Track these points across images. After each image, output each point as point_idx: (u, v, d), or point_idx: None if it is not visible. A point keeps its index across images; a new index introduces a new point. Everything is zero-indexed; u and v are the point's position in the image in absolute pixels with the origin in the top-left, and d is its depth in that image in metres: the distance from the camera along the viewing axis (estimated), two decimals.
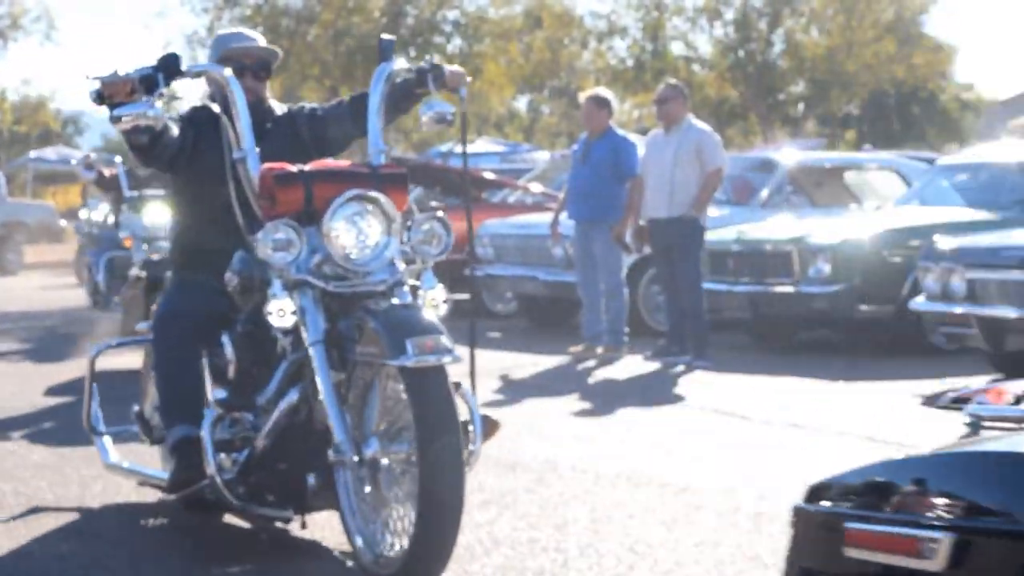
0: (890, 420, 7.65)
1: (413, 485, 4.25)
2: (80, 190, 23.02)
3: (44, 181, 39.17)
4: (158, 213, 12.72)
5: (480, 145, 25.56)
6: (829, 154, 20.10)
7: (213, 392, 4.90)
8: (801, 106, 39.45)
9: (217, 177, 4.86)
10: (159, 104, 4.62)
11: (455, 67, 5.00)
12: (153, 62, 4.67)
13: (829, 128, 41.63)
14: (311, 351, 4.44)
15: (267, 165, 4.61)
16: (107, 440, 5.83)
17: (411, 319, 4.31)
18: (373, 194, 4.50)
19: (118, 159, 13.99)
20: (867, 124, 41.49)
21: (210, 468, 4.65)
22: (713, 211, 11.46)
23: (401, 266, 4.56)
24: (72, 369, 10.79)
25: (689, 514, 5.41)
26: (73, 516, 5.61)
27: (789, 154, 15.35)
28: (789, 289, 11.01)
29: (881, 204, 13.17)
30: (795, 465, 6.36)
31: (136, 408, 5.64)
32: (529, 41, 35.46)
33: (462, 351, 4.43)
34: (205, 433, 4.69)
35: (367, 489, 4.46)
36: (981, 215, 10.97)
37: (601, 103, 10.98)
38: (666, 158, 10.51)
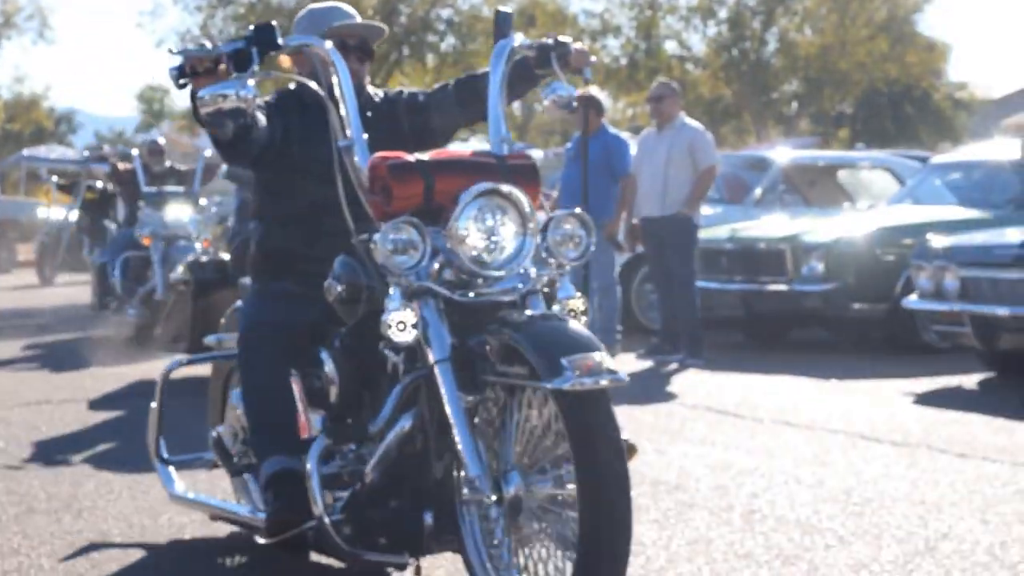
0: (883, 418, 7.66)
1: (560, 526, 3.68)
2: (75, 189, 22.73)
3: (37, 179, 39.11)
4: (180, 210, 12.33)
5: (474, 144, 25.60)
6: (822, 153, 20.11)
7: (312, 418, 4.35)
8: (794, 105, 39.50)
9: (308, 171, 4.39)
10: (252, 83, 3.90)
11: (580, 44, 4.32)
12: (247, 33, 4.01)
13: (822, 127, 41.67)
14: (436, 371, 3.75)
15: (379, 155, 3.94)
16: (171, 468, 5.20)
17: (564, 334, 3.63)
18: (507, 188, 3.85)
19: (135, 151, 13.43)
20: (860, 123, 41.52)
21: (318, 508, 4.03)
22: (706, 209, 11.47)
23: (533, 271, 3.90)
24: (72, 371, 10.78)
25: (682, 512, 5.41)
26: (66, 515, 5.59)
27: (782, 153, 15.36)
28: (782, 287, 11.02)
29: (874, 203, 13.18)
30: (788, 463, 6.37)
31: (214, 433, 4.96)
32: None
33: None
34: (312, 467, 4.07)
35: (499, 530, 3.82)
36: (974, 214, 10.99)
37: (589, 103, 10.98)
38: (659, 157, 10.51)
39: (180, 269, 9.82)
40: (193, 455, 5.29)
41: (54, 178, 23.90)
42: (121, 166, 13.60)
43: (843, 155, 18.17)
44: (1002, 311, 8.73)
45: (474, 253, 3.83)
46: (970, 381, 9.20)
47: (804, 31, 36.61)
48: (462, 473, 3.80)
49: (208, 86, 3.89)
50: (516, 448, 3.73)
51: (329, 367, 4.22)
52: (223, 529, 5.27)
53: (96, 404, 8.69)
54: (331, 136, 4.07)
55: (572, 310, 3.90)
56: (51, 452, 6.99)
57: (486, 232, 3.84)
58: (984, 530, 5.07)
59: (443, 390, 3.72)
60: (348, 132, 4.06)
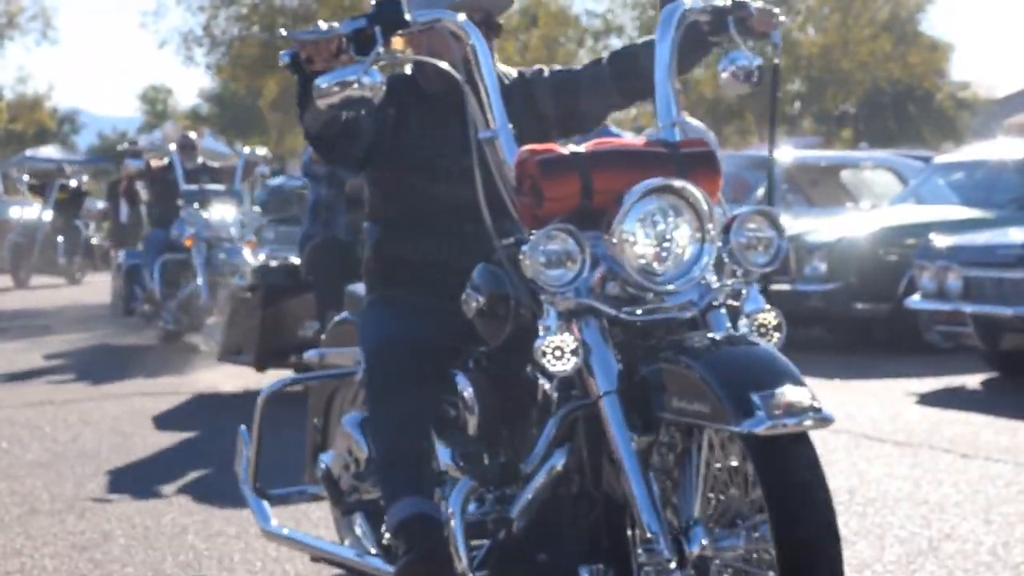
0: (886, 418, 7.65)
1: None
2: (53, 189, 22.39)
3: (40, 179, 39.15)
4: (224, 210, 11.68)
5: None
6: (825, 153, 20.10)
7: (443, 453, 3.71)
8: (797, 104, 39.51)
9: (429, 168, 3.80)
10: (376, 69, 3.30)
11: (763, 4, 3.62)
12: (369, 10, 3.43)
13: (825, 126, 41.69)
14: (603, 404, 3.12)
15: (528, 148, 3.31)
16: (266, 503, 4.49)
17: (755, 362, 3.01)
18: (680, 184, 3.23)
19: (172, 147, 12.53)
20: (863, 122, 41.54)
21: (461, 562, 3.43)
22: None
23: (713, 281, 3.27)
24: (78, 372, 10.79)
25: None
26: (69, 516, 5.60)
27: (785, 152, 15.36)
28: (785, 287, 11.01)
29: (877, 203, 13.19)
30: None
31: (323, 465, 4.26)
32: (525, 40, 35.49)
33: None
34: (455, 512, 3.46)
35: None
36: (977, 213, 10.99)
37: None
38: None
39: (243, 277, 9.28)
40: (293, 488, 4.59)
41: (25, 177, 23.68)
42: (154, 163, 12.69)
43: (846, 155, 18.17)
44: (1005, 311, 8.72)
45: (642, 262, 3.20)
46: (973, 381, 9.19)
47: (807, 30, 36.62)
48: (637, 531, 3.15)
49: (325, 73, 3.30)
50: (699, 498, 3.08)
51: (468, 393, 3.60)
52: (224, 531, 5.27)
53: (100, 407, 8.69)
54: (469, 126, 3.40)
55: (763, 325, 3.29)
56: (54, 453, 6.99)
57: (657, 237, 3.21)
58: (987, 530, 5.07)
59: (611, 428, 3.10)
60: (490, 121, 3.41)
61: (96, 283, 20.73)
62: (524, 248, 3.18)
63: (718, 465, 3.07)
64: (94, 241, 23.59)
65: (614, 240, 3.18)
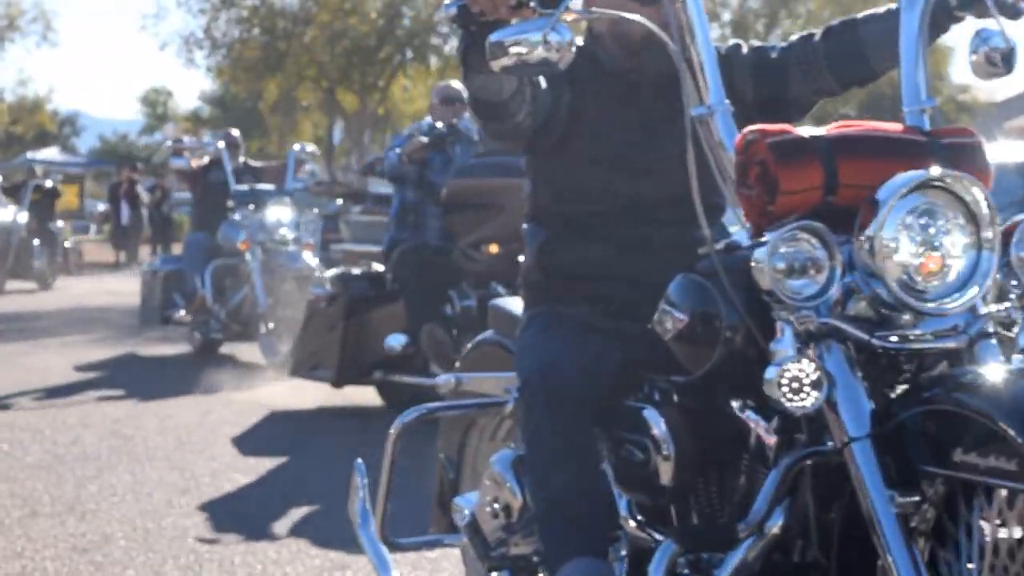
0: None
1: None
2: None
3: (11, 181, 39.18)
4: (279, 212, 11.08)
5: None
6: None
7: (621, 503, 3.06)
8: None
9: (610, 156, 3.17)
10: (566, 25, 2.60)
11: None
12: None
13: None
14: (852, 452, 2.45)
15: (756, 128, 2.62)
16: (385, 550, 3.66)
17: None
18: (953, 176, 2.57)
19: (221, 144, 11.65)
20: None
21: None
22: None
23: (980, 303, 2.56)
24: (79, 377, 10.78)
25: None
26: (69, 518, 5.60)
27: None
28: None
29: None
30: None
31: (467, 512, 3.52)
32: None
33: None
34: None
35: None
36: None
37: None
38: None
39: (326, 282, 8.70)
40: (423, 538, 3.86)
41: None
42: (195, 163, 11.84)
43: None
44: None
45: (903, 276, 2.52)
46: None
47: None
48: None
49: (503, 28, 2.64)
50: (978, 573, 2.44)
51: (661, 432, 2.92)
52: (225, 534, 5.27)
53: (100, 409, 8.69)
54: (684, 104, 2.74)
55: None
56: (55, 455, 6.99)
57: (923, 244, 2.53)
58: None
59: (865, 483, 2.43)
60: (703, 95, 2.73)
61: (69, 288, 20.61)
62: (759, 252, 2.52)
63: (1002, 538, 2.41)
64: (67, 244, 23.44)
65: (874, 248, 2.50)
